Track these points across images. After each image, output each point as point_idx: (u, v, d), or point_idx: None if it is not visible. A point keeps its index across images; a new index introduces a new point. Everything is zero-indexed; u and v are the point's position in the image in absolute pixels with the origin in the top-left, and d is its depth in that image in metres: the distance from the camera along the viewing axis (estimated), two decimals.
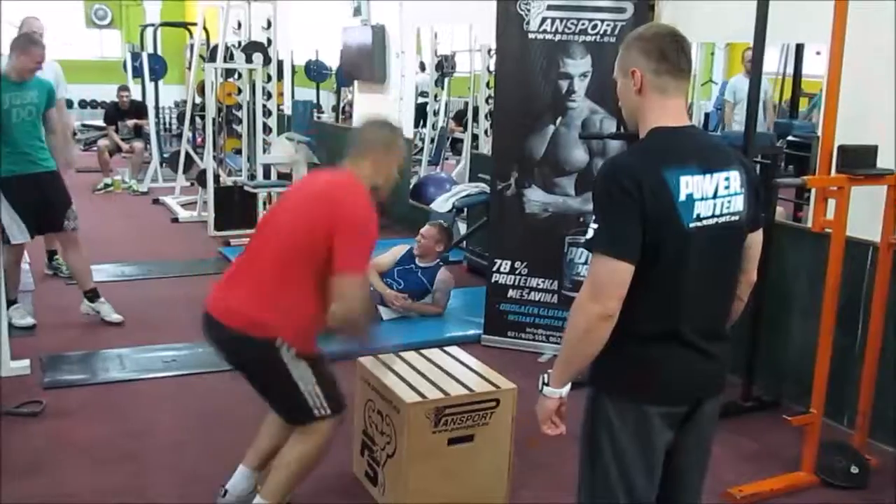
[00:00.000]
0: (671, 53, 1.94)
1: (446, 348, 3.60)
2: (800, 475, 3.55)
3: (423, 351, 3.53)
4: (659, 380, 1.99)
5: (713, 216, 1.93)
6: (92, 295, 5.34)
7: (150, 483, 3.40)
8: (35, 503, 3.21)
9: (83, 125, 13.31)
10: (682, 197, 1.88)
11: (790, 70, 6.01)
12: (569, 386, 2.02)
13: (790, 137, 5.30)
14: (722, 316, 2.08)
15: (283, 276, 2.78)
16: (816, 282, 3.71)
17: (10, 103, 4.75)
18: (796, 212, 4.96)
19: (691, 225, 1.89)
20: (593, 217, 1.91)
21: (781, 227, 4.32)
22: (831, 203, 3.36)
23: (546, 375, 2.03)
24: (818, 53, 5.07)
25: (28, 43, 4.82)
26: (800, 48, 5.51)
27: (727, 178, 1.96)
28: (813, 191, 3.48)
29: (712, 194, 1.93)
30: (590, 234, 1.90)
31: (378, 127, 3.03)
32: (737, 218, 1.98)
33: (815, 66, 5.93)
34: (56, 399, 4.09)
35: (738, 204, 1.98)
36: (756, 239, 2.12)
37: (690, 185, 1.89)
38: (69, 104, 6.29)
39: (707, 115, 6.07)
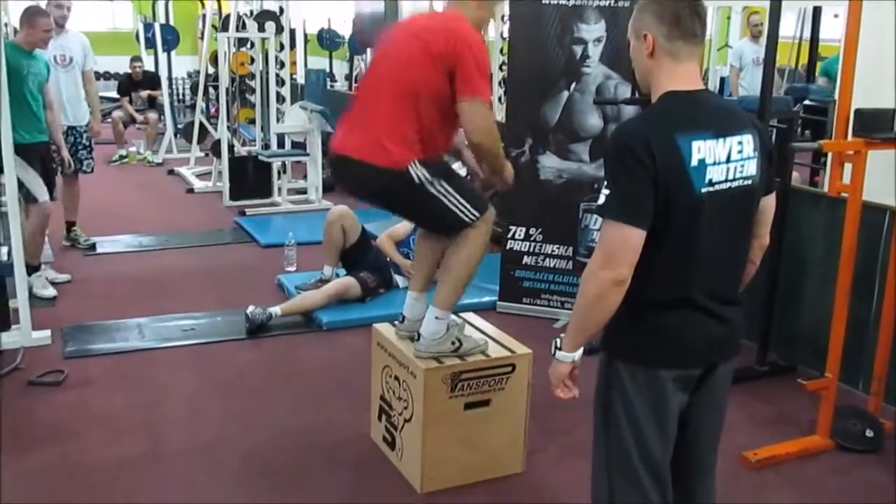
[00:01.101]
0: (685, 18, 1.92)
1: (462, 314, 3.62)
2: (815, 439, 3.56)
3: None
4: (672, 344, 2.00)
5: (726, 181, 1.92)
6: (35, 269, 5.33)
7: (170, 450, 3.44)
8: (58, 470, 3.27)
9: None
10: (694, 162, 1.87)
11: (807, 34, 5.94)
12: (581, 350, 2.03)
13: (806, 102, 5.26)
14: (735, 280, 2.08)
15: (407, 108, 2.88)
16: (833, 247, 3.70)
17: (28, 71, 4.89)
18: (813, 177, 4.94)
19: (703, 190, 1.88)
20: (605, 183, 1.91)
21: (798, 192, 4.30)
22: (848, 167, 3.34)
23: (559, 340, 2.04)
24: (836, 16, 5.01)
25: (34, 15, 4.95)
26: (817, 11, 5.46)
27: (740, 143, 1.94)
28: (829, 155, 3.46)
29: (725, 159, 1.91)
30: (601, 200, 1.89)
31: None
32: (750, 182, 1.97)
33: (834, 30, 5.86)
34: (77, 368, 4.14)
35: (752, 168, 1.97)
36: (769, 203, 2.11)
37: (703, 149, 1.88)
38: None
39: (723, 80, 6.01)
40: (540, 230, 5.01)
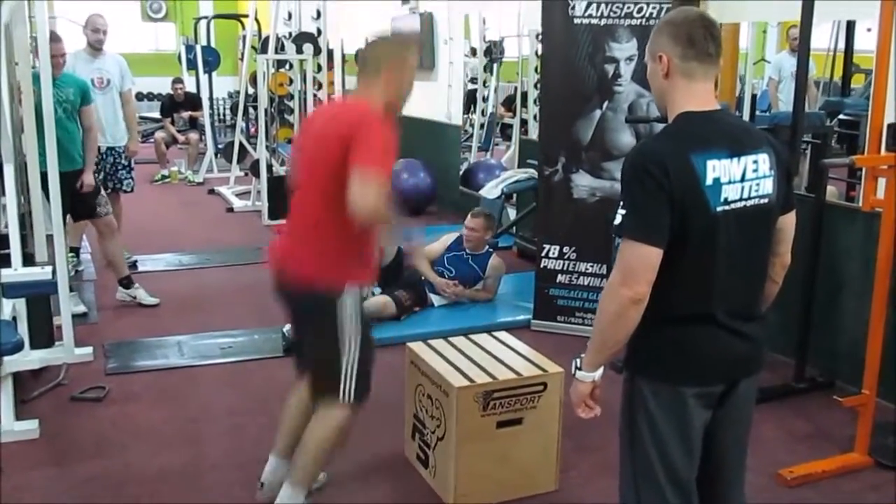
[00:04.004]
0: (699, 39, 1.95)
1: (495, 333, 3.65)
2: (853, 456, 3.53)
3: (472, 336, 3.59)
4: (692, 361, 2.01)
5: (741, 199, 1.94)
6: (127, 282, 5.48)
7: (210, 464, 3.51)
8: (98, 483, 3.35)
9: (140, 117, 13.57)
10: (709, 181, 1.90)
11: (842, 46, 5.86)
12: (602, 369, 2.05)
13: (841, 116, 5.21)
14: (755, 297, 2.09)
15: (319, 224, 2.76)
16: (870, 261, 3.66)
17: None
18: (849, 191, 4.88)
19: (718, 209, 1.91)
20: (621, 203, 1.93)
21: (833, 207, 4.27)
22: (882, 182, 3.32)
23: (579, 360, 2.06)
24: (869, 30, 4.95)
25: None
26: (851, 25, 5.40)
27: (755, 161, 1.97)
28: (864, 170, 3.44)
29: (740, 177, 1.94)
30: (618, 219, 1.92)
31: (386, 43, 2.92)
32: (766, 201, 1.99)
33: (869, 41, 5.78)
34: (119, 384, 4.24)
35: (768, 186, 1.99)
36: (788, 221, 2.13)
37: (717, 168, 1.91)
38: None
39: (754, 97, 5.96)
40: (574, 248, 5.02)
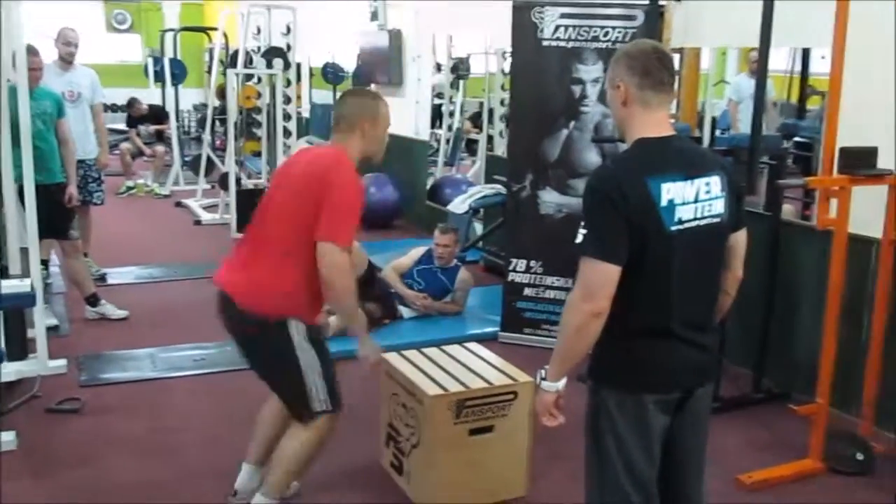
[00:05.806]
0: (654, 69, 2.10)
1: (466, 344, 3.76)
2: (808, 462, 3.68)
3: (444, 347, 3.70)
4: (652, 371, 2.16)
5: (694, 219, 2.10)
6: (93, 299, 5.52)
7: (187, 474, 3.57)
8: (80, 493, 3.40)
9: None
10: (664, 202, 2.05)
11: (799, 68, 6.07)
12: (565, 379, 2.18)
13: (797, 138, 5.42)
14: (709, 309, 2.25)
15: (288, 255, 2.84)
16: (824, 277, 3.81)
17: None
18: (804, 209, 5.08)
19: (673, 228, 2.06)
20: (582, 223, 2.07)
21: (789, 226, 4.45)
22: (834, 203, 3.49)
23: (543, 371, 2.19)
24: (823, 58, 5.14)
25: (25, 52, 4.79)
26: (806, 51, 5.61)
27: (707, 183, 2.12)
28: (817, 190, 3.61)
29: (693, 199, 2.09)
30: (579, 238, 2.06)
31: (360, 98, 3.08)
32: (718, 220, 2.15)
33: (824, 65, 5.95)
34: (93, 396, 4.28)
35: (719, 207, 2.14)
36: (740, 238, 2.29)
37: (672, 191, 2.06)
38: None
39: (714, 119, 6.13)
40: (540, 263, 5.16)
